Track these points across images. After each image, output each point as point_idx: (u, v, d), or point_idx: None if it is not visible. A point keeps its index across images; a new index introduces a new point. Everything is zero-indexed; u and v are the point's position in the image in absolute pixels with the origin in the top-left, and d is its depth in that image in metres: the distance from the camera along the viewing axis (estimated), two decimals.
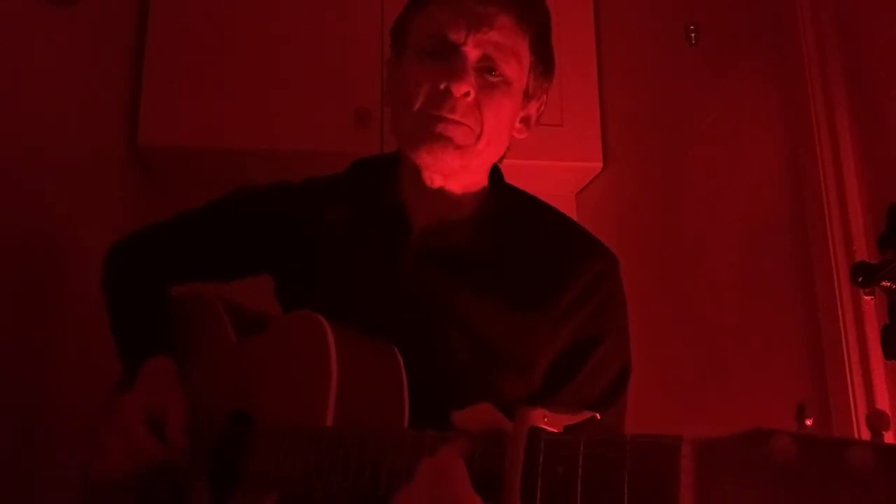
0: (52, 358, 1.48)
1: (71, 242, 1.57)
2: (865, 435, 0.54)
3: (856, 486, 0.47)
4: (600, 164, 2.05)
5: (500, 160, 1.14)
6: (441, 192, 1.07)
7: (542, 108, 1.13)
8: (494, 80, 1.02)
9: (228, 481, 1.00)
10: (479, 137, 1.01)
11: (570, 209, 2.18)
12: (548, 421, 0.67)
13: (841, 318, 1.12)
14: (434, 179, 1.06)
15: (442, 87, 0.99)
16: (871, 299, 1.08)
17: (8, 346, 1.31)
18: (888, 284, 1.02)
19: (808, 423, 0.54)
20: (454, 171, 1.04)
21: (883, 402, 1.05)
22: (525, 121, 1.11)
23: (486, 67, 1.01)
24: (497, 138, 1.04)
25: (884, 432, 0.51)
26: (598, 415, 0.68)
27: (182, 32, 1.94)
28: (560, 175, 2.09)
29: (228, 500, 0.98)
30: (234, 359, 1.12)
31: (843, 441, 0.49)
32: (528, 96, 1.08)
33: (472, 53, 1.00)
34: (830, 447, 0.49)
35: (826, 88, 1.21)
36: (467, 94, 0.99)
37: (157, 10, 1.96)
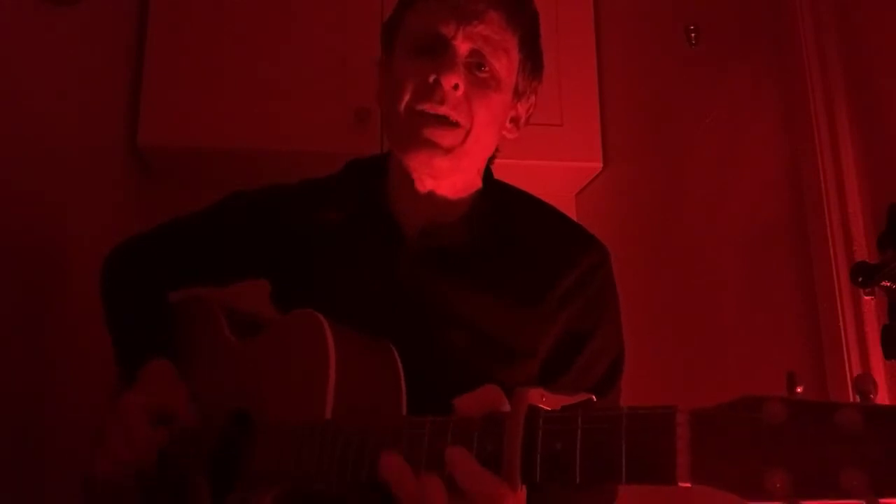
0: (52, 358, 1.48)
1: (71, 242, 1.58)
2: None
3: (846, 447, 0.49)
4: (600, 164, 2.05)
5: (492, 160, 1.14)
6: (431, 196, 1.07)
7: (532, 109, 1.13)
8: (484, 76, 1.02)
9: (229, 479, 1.00)
10: (467, 134, 1.01)
11: (570, 209, 2.18)
12: (545, 400, 0.68)
13: (841, 318, 1.12)
14: (424, 182, 1.06)
15: (431, 79, 0.99)
16: (871, 299, 1.08)
17: (8, 346, 1.31)
18: (888, 284, 1.02)
19: (799, 390, 0.55)
20: (444, 173, 1.05)
21: (883, 402, 1.05)
22: (515, 121, 1.11)
23: (476, 63, 1.02)
24: (486, 136, 1.04)
25: (871, 395, 0.52)
26: (594, 396, 0.69)
27: (182, 32, 1.94)
28: (560, 175, 2.09)
29: (229, 497, 0.98)
30: (234, 359, 1.12)
31: (833, 404, 0.51)
32: (517, 95, 1.09)
33: (462, 47, 1.00)
34: (820, 410, 0.52)
35: (826, 88, 1.21)
36: (456, 86, 0.99)
37: (157, 10, 1.96)
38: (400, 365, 0.95)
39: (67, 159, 1.55)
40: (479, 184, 1.12)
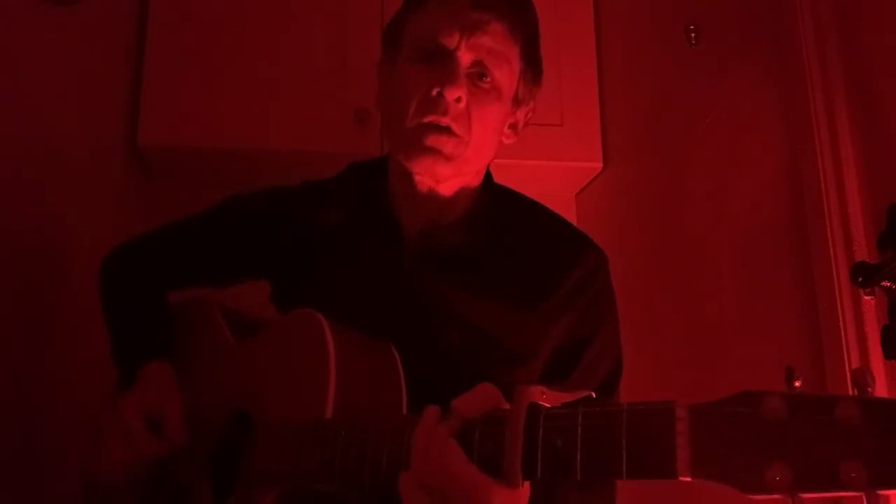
0: (52, 358, 1.48)
1: (70, 242, 1.57)
2: None
3: (845, 440, 0.50)
4: (600, 164, 2.05)
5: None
6: (432, 195, 1.08)
7: (530, 113, 1.14)
8: (485, 86, 1.02)
9: (229, 480, 1.00)
10: (468, 145, 1.02)
11: (570, 209, 2.18)
12: (546, 398, 0.68)
13: (841, 318, 1.12)
14: (425, 184, 1.07)
15: (434, 92, 0.99)
16: (871, 299, 1.08)
17: (8, 346, 1.31)
18: (888, 284, 1.02)
19: (797, 384, 0.56)
20: (446, 178, 1.05)
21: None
22: (513, 126, 1.12)
23: (478, 73, 1.02)
24: (485, 145, 1.05)
25: (868, 389, 0.52)
26: (593, 393, 0.70)
27: (182, 32, 1.94)
28: (560, 175, 2.09)
29: (229, 498, 0.98)
30: (233, 360, 1.12)
31: (831, 397, 0.52)
32: (517, 102, 1.09)
33: (465, 58, 1.01)
34: (819, 404, 0.52)
35: (826, 89, 1.21)
36: (459, 99, 1.00)
37: (157, 10, 1.95)
38: (400, 365, 0.95)
39: (67, 159, 1.55)
40: (478, 184, 1.12)
